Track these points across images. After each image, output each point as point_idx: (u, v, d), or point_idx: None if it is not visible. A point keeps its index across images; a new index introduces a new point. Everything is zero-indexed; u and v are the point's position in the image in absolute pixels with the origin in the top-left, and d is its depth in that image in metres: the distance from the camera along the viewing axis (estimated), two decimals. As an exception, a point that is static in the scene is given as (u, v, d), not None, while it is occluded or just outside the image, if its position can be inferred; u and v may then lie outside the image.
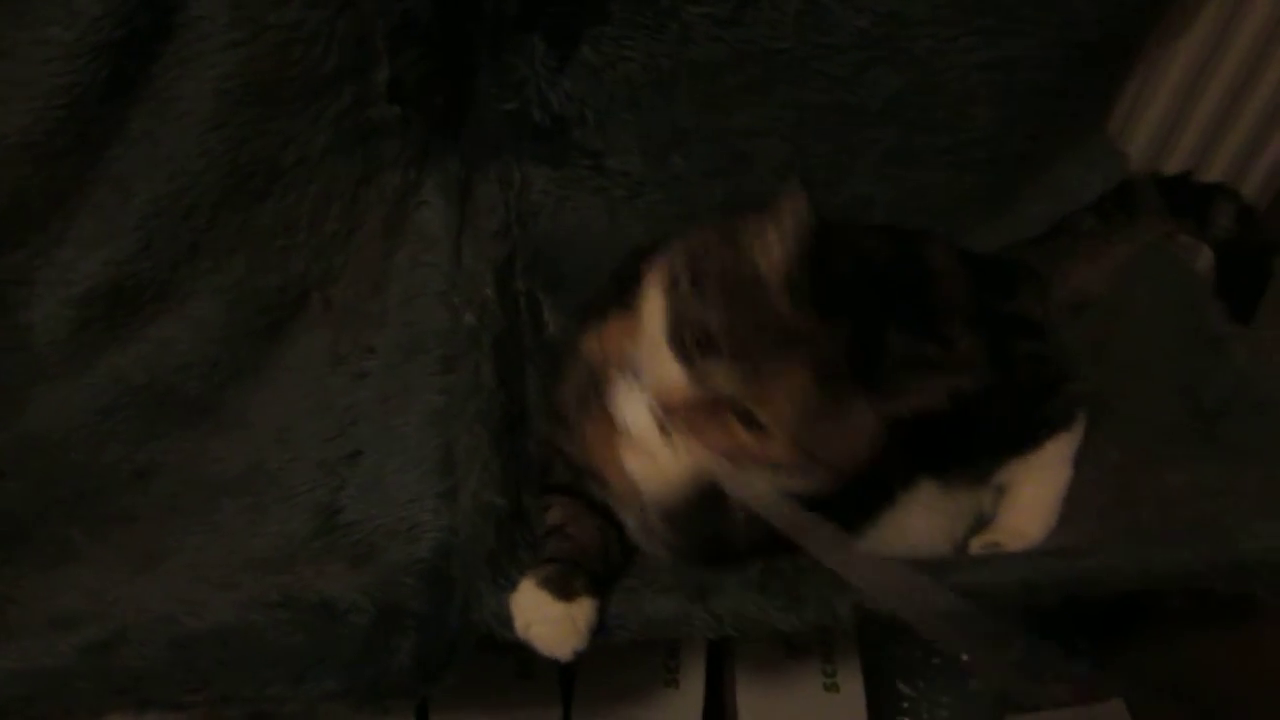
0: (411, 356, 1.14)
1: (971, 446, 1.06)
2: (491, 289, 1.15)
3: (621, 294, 0.92)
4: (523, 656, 1.14)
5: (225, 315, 1.17)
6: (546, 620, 0.88)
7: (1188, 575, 0.96)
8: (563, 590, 0.89)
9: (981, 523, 1.11)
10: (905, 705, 1.41)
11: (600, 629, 0.91)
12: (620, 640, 0.91)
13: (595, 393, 0.92)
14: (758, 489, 0.86)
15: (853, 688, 1.19)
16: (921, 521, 1.05)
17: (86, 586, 0.99)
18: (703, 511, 0.89)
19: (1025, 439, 1.08)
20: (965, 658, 1.47)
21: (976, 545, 1.06)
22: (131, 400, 1.15)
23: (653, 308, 0.86)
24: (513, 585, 0.91)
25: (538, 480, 1.03)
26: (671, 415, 0.85)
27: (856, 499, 1.02)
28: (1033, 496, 1.08)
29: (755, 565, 0.94)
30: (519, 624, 0.89)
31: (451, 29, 1.15)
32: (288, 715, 0.92)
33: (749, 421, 0.83)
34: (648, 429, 0.87)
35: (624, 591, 0.94)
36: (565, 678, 1.18)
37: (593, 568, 0.92)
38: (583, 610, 0.89)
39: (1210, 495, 1.02)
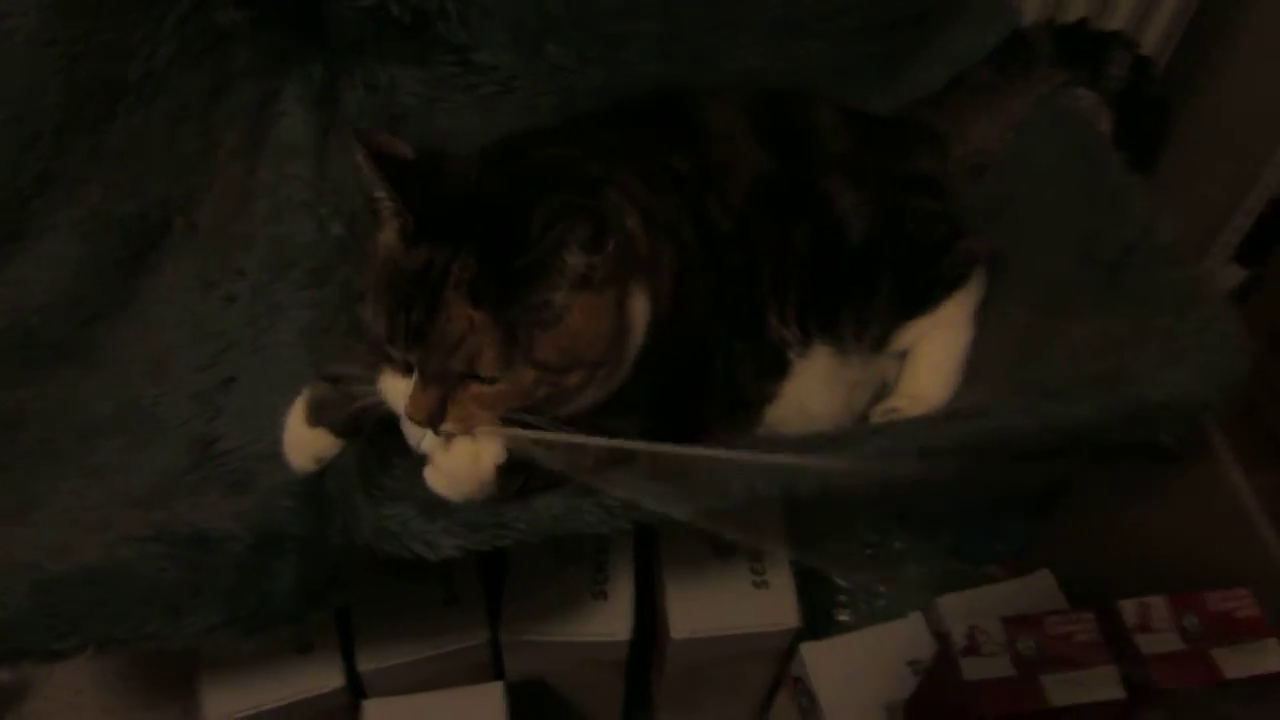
0: (280, 274, 1.09)
1: (864, 309, 1.03)
2: (363, 198, 1.08)
3: None
4: (445, 582, 1.14)
5: (84, 249, 1.09)
6: (291, 438, 0.92)
7: (1090, 428, 0.93)
8: (313, 418, 0.91)
9: (886, 392, 1.08)
10: (842, 599, 1.41)
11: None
12: (509, 541, 0.87)
13: None
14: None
15: (782, 584, 1.18)
16: (820, 393, 1.03)
17: (-48, 542, 0.94)
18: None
19: (921, 299, 1.05)
20: (899, 545, 1.47)
21: (876, 414, 1.04)
22: (-9, 347, 1.08)
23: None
24: (387, 497, 0.88)
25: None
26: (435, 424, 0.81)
27: (752, 371, 0.99)
28: (932, 359, 1.05)
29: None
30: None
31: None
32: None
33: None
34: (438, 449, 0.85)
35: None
36: (491, 599, 1.16)
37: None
38: (320, 440, 0.91)
39: (1115, 347, 1.00)
